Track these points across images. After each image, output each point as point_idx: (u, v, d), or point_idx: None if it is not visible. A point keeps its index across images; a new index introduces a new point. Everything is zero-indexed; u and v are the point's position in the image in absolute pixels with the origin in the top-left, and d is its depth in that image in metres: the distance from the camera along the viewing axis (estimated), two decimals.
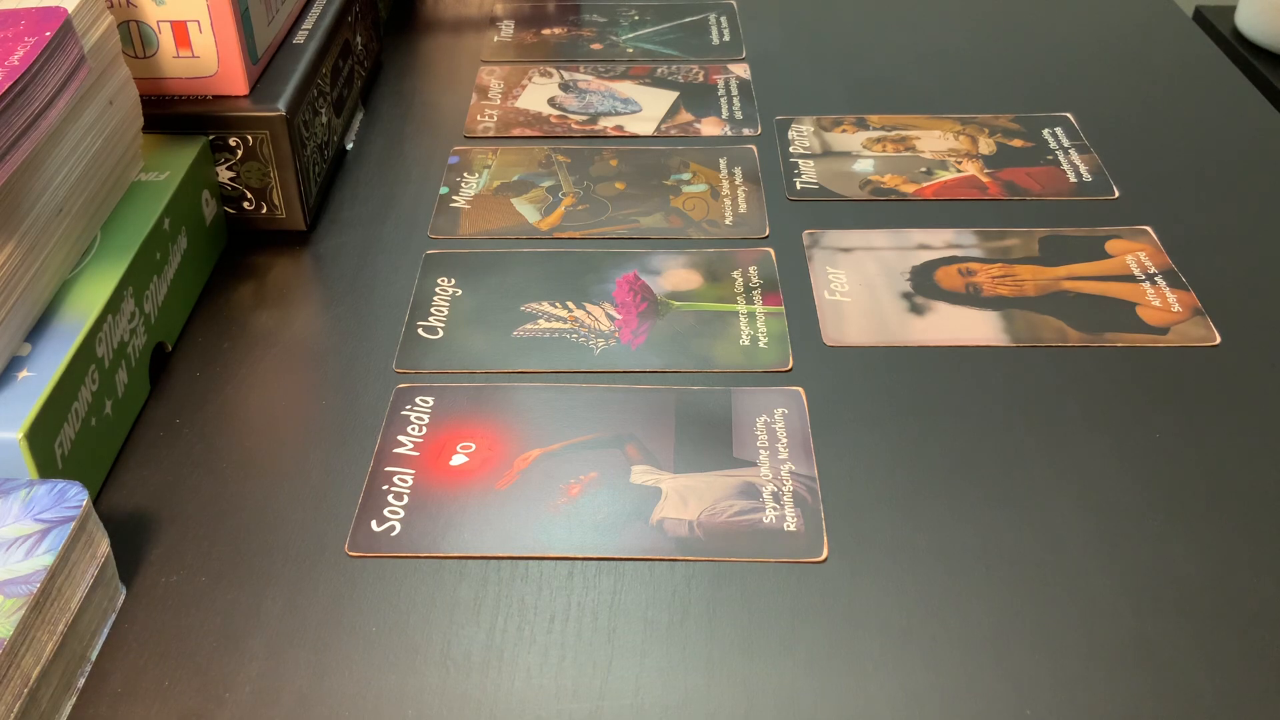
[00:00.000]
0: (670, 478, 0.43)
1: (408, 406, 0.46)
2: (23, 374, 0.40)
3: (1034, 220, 0.57)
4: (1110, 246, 0.55)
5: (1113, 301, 0.51)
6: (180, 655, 0.37)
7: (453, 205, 0.58)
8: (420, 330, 0.50)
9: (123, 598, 0.38)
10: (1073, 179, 0.60)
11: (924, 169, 0.60)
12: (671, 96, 0.67)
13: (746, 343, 0.49)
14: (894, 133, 0.63)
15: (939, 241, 0.55)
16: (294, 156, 0.54)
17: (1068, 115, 0.65)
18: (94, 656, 0.37)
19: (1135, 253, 0.54)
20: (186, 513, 0.42)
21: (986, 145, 0.62)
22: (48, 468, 0.39)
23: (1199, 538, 0.40)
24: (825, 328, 0.50)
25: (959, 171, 0.60)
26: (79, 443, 0.41)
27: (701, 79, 0.69)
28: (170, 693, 0.36)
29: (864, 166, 0.61)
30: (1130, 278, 0.52)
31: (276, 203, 0.55)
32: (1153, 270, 0.53)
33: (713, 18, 0.76)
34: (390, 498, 0.42)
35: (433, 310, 0.51)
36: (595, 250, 0.55)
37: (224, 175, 0.54)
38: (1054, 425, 0.45)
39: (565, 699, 0.35)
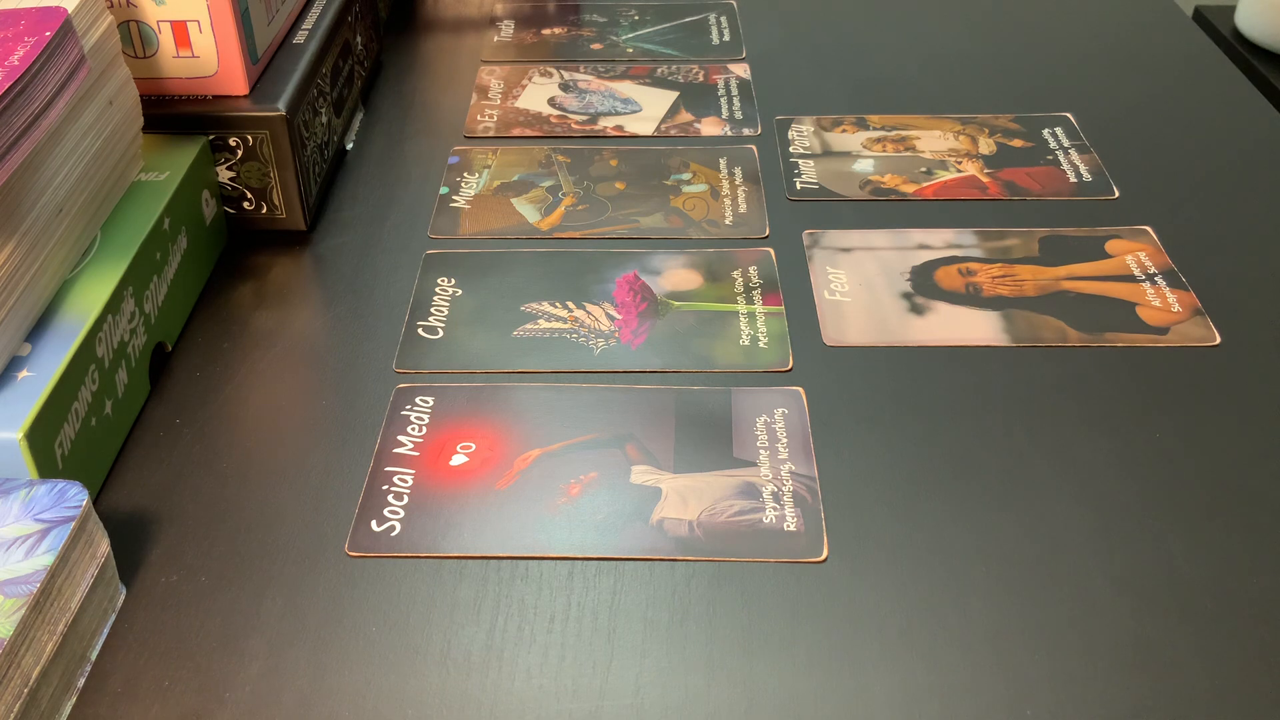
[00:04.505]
0: (670, 478, 0.43)
1: (408, 406, 0.46)
2: (23, 374, 0.40)
3: (1034, 220, 0.57)
4: (1110, 246, 0.55)
5: (1113, 301, 0.51)
6: (180, 655, 0.37)
7: (453, 205, 0.58)
8: (420, 330, 0.50)
9: (123, 598, 0.38)
10: (1073, 179, 0.60)
11: (924, 169, 0.60)
12: (671, 96, 0.67)
13: (746, 343, 0.49)
14: (894, 133, 0.63)
15: (939, 241, 0.55)
16: (294, 156, 0.54)
17: (1068, 115, 0.65)
18: (94, 656, 0.37)
19: (1135, 253, 0.54)
20: (186, 513, 0.42)
21: (986, 145, 0.62)
22: (48, 468, 0.39)
23: (1199, 538, 0.40)
24: (825, 328, 0.50)
25: (959, 171, 0.60)
26: (79, 443, 0.41)
27: (701, 79, 0.69)
28: (170, 693, 0.36)
29: (864, 166, 0.61)
30: (1130, 278, 0.52)
31: (276, 203, 0.55)
32: (1153, 270, 0.53)
33: (713, 18, 0.76)
34: (390, 498, 0.42)
35: (433, 310, 0.51)
36: (595, 250, 0.55)
37: (224, 175, 0.54)
38: (1054, 425, 0.45)
39: (565, 699, 0.35)
